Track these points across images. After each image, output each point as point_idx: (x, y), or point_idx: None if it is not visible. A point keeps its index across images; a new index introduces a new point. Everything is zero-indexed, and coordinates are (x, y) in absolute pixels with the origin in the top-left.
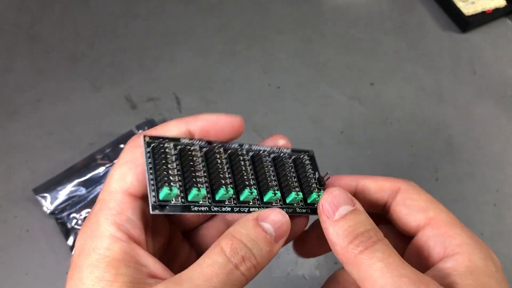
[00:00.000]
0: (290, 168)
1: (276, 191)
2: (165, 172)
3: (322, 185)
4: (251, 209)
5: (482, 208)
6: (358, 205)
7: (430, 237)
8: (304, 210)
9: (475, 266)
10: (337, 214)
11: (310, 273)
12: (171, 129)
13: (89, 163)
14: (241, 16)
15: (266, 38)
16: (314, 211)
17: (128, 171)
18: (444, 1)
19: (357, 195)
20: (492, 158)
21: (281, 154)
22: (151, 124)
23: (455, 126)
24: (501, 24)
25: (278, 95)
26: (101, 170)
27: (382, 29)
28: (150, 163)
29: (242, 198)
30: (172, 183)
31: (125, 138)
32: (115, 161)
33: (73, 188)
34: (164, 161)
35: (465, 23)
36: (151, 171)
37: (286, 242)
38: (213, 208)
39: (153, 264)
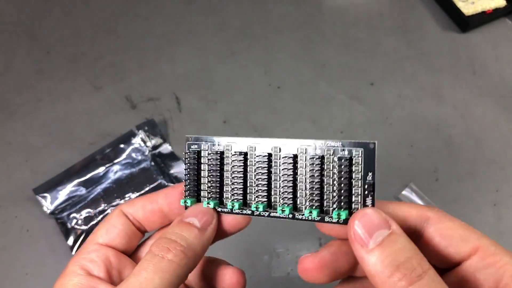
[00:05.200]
0: (328, 170)
1: (285, 208)
2: (191, 184)
3: (371, 191)
4: (266, 214)
5: (482, 208)
6: (395, 227)
7: (479, 268)
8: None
9: None
10: (371, 242)
11: None
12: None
13: (89, 163)
14: (241, 16)
15: (266, 38)
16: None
17: (101, 227)
18: (444, 1)
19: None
20: (492, 158)
21: (325, 152)
22: (151, 124)
23: (455, 126)
24: (501, 24)
25: (278, 95)
26: (101, 170)
27: (382, 29)
28: (186, 166)
29: (252, 208)
30: (194, 195)
31: (125, 138)
32: (115, 161)
33: (73, 188)
34: (195, 169)
35: (465, 23)
36: (185, 176)
37: (224, 233)
38: (234, 211)
39: None
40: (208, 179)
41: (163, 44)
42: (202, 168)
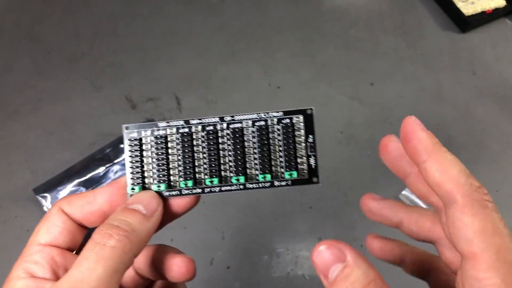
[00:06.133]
0: (273, 138)
1: (239, 176)
2: (136, 172)
3: (313, 152)
4: (217, 189)
5: None
6: (350, 257)
7: (468, 276)
8: (281, 183)
9: None
10: (329, 276)
11: (310, 273)
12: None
13: (89, 163)
14: (241, 16)
15: (266, 38)
16: (296, 182)
17: (41, 226)
18: (444, 1)
19: (420, 171)
20: (492, 158)
21: (269, 121)
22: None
23: (455, 126)
24: (500, 24)
25: (278, 95)
26: (101, 170)
27: (382, 29)
28: (128, 155)
29: (206, 183)
30: (140, 182)
31: None
32: (115, 161)
33: (73, 188)
34: (138, 156)
35: (465, 23)
36: (129, 165)
37: (172, 216)
38: (183, 191)
39: None
40: (154, 164)
41: (163, 44)
42: (144, 155)
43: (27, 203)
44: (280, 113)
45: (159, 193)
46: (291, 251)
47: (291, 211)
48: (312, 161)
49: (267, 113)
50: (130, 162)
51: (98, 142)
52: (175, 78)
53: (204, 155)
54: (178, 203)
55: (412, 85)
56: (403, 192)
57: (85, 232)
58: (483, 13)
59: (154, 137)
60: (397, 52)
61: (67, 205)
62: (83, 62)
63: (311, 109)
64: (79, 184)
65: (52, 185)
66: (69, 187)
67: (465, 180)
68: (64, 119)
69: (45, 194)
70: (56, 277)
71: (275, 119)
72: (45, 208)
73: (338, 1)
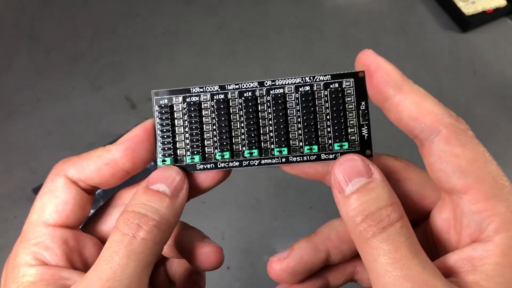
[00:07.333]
0: (320, 105)
1: (282, 148)
2: (168, 143)
3: (366, 120)
4: (257, 162)
5: None
6: (376, 175)
7: (465, 212)
8: (328, 156)
9: (509, 263)
10: (348, 188)
11: None
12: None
13: None
14: (241, 16)
15: (266, 37)
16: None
17: (47, 202)
18: (445, 1)
19: (389, 106)
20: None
21: (315, 87)
22: None
23: None
24: (501, 24)
25: None
26: None
27: (382, 29)
28: (158, 123)
29: (245, 155)
30: (171, 154)
31: None
32: None
33: None
34: (170, 124)
35: (466, 23)
36: (159, 134)
37: (197, 191)
38: (219, 165)
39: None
40: (187, 133)
41: (163, 44)
42: (176, 124)
43: (27, 203)
44: (328, 77)
45: (183, 168)
46: None
47: (291, 211)
48: (364, 131)
49: (313, 77)
50: (161, 131)
51: (98, 142)
52: (175, 78)
53: (242, 125)
54: (204, 178)
55: None
56: None
57: (93, 199)
58: (483, 12)
59: (187, 104)
60: (397, 52)
61: (75, 170)
62: (82, 61)
63: (363, 72)
64: None
65: None
66: None
67: (444, 111)
68: (64, 119)
69: None
70: (71, 264)
71: (322, 84)
72: None
73: (339, 0)
